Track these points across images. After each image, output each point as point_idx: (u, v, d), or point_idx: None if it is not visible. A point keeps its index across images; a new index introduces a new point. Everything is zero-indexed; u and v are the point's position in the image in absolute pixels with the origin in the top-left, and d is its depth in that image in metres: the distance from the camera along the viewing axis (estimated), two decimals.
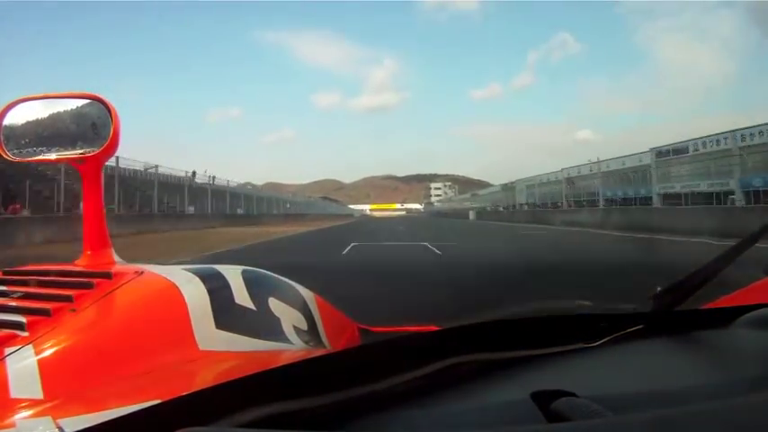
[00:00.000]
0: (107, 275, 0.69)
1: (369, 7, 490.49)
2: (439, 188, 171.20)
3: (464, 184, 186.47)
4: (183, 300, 0.66)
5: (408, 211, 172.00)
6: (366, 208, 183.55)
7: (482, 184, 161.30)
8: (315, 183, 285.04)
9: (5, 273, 0.74)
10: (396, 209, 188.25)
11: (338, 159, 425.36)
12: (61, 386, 0.50)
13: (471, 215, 49.84)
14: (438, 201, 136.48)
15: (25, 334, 0.55)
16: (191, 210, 28.25)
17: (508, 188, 51.02)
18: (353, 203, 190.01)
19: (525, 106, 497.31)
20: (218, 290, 0.73)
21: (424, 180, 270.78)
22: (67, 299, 0.61)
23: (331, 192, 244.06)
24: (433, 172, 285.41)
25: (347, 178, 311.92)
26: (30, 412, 0.45)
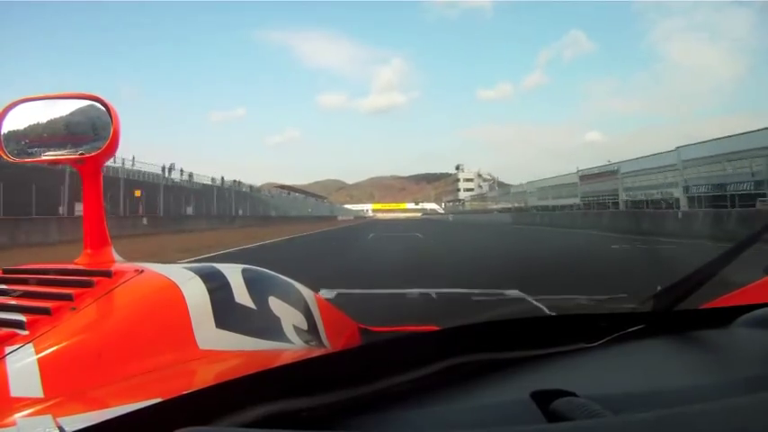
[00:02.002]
0: (107, 274, 0.69)
1: (377, 7, 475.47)
2: (470, 180, 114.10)
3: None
4: (183, 299, 0.66)
5: (424, 211, 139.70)
6: (367, 208, 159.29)
7: (497, 184, 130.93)
8: (316, 183, 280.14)
9: (5, 271, 0.74)
10: (406, 209, 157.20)
11: (343, 160, 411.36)
12: (61, 385, 0.50)
13: None
14: (472, 197, 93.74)
15: (25, 333, 0.55)
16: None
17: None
18: (355, 204, 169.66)
19: (537, 106, 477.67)
20: (218, 289, 0.73)
21: (434, 180, 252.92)
22: (67, 297, 0.62)
23: (333, 192, 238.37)
24: (444, 171, 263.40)
25: (352, 179, 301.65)
26: (30, 411, 0.45)
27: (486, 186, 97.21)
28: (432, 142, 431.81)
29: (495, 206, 63.48)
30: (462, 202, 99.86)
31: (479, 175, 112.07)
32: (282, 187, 68.50)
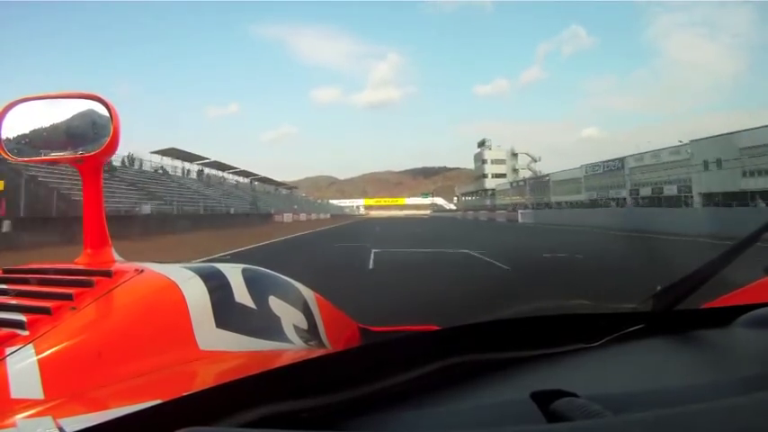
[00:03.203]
0: (107, 274, 0.69)
1: (373, 1, 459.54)
2: (501, 161, 75.39)
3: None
4: (184, 298, 0.66)
5: (434, 208, 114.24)
6: (359, 204, 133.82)
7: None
8: (307, 179, 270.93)
9: (5, 271, 0.74)
10: (404, 205, 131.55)
11: (336, 157, 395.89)
12: (62, 386, 0.50)
13: None
14: (514, 183, 60.25)
15: (25, 333, 0.55)
16: None
17: None
18: (346, 199, 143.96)
19: (534, 102, 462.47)
20: (218, 288, 0.73)
21: (432, 174, 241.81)
22: (68, 297, 0.62)
23: (323, 188, 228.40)
24: (442, 165, 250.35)
25: (345, 175, 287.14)
26: (30, 412, 0.45)
27: (520, 169, 70.64)
28: (428, 138, 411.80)
29: (566, 197, 38.62)
30: (491, 192, 66.72)
31: (514, 155, 74.90)
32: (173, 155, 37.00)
